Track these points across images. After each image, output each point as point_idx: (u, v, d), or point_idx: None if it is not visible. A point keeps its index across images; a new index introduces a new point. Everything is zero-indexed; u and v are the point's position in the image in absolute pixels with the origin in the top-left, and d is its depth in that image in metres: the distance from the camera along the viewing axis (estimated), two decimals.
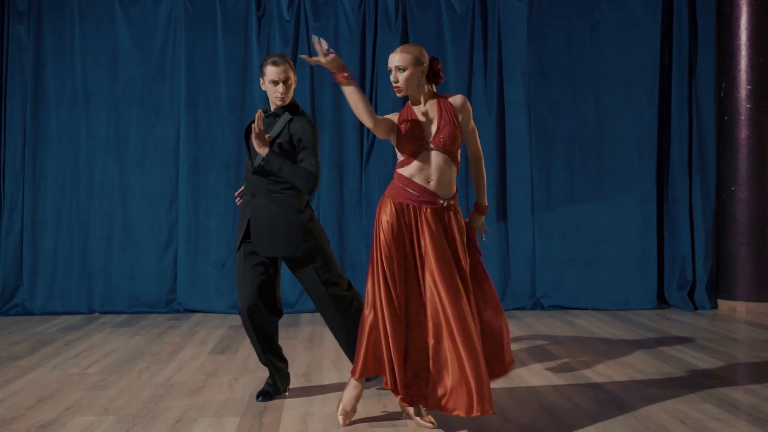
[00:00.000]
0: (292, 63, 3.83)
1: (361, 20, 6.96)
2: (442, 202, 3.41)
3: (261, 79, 3.84)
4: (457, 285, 3.30)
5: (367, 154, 6.93)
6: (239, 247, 3.83)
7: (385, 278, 3.36)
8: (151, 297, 6.82)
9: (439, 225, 3.40)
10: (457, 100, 3.50)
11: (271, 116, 3.87)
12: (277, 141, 3.73)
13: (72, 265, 6.81)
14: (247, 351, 5.16)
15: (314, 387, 4.20)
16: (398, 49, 3.44)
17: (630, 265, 6.95)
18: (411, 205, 3.40)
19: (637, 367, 4.61)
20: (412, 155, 3.40)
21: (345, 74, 3.27)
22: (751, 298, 6.74)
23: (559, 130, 7.00)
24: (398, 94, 3.43)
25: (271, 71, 3.77)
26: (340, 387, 4.18)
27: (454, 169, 3.46)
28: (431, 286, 3.31)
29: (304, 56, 3.40)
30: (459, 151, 3.49)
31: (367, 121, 3.33)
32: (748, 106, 6.75)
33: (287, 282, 6.86)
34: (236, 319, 6.48)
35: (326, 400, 3.92)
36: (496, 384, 4.19)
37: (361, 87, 6.92)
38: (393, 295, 3.34)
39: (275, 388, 3.95)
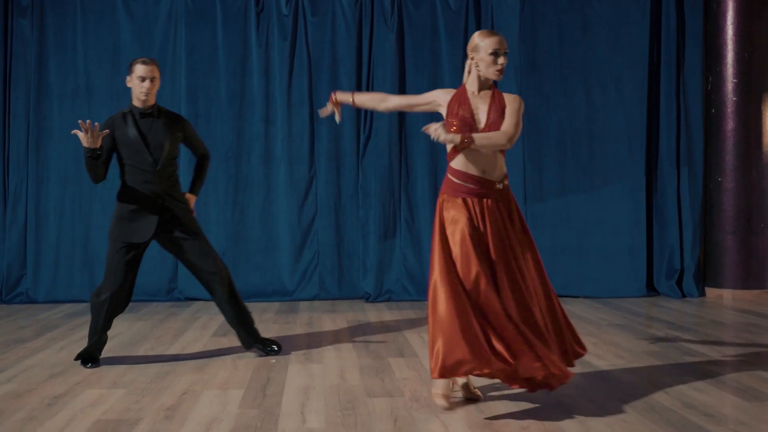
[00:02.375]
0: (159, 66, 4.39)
1: (357, 15, 7.13)
2: (499, 186, 3.45)
3: (128, 76, 4.33)
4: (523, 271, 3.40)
5: (363, 146, 7.10)
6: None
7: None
8: (152, 286, 6.96)
9: (504, 212, 3.44)
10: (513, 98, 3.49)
11: (146, 117, 4.34)
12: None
13: (74, 255, 6.96)
14: None
15: (314, 364, 4.36)
16: (496, 33, 3.43)
17: (620, 255, 7.14)
18: (472, 199, 3.40)
19: (625, 346, 4.79)
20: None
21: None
22: (737, 286, 6.93)
23: (551, 124, 7.18)
24: (499, 78, 3.45)
25: (140, 69, 4.29)
26: (340, 364, 4.36)
27: (501, 155, 3.48)
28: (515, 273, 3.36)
29: None
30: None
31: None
32: (734, 99, 6.94)
33: (286, 270, 7.03)
34: None
35: (326, 375, 4.08)
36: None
37: (357, 80, 7.11)
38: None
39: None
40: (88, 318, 5.95)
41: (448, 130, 3.36)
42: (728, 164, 6.96)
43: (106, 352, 4.63)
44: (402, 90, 7.15)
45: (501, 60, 3.40)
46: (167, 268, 7.02)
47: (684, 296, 7.07)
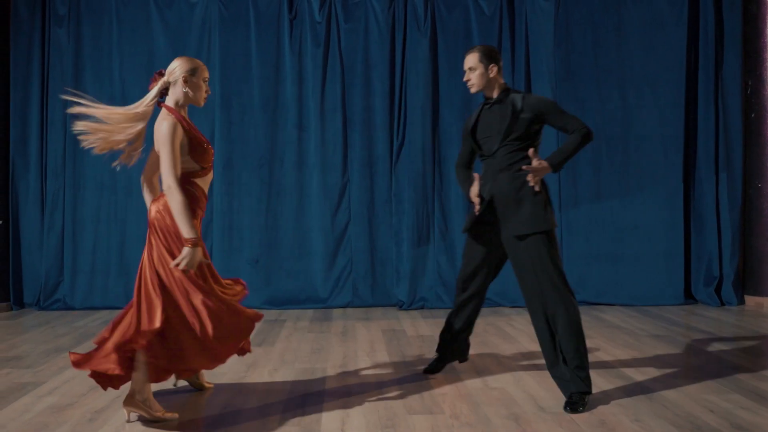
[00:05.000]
0: (479, 53, 3.98)
1: (390, 21, 7.11)
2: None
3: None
4: None
5: (396, 152, 7.08)
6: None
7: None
8: None
9: None
10: None
11: (494, 104, 4.00)
12: (521, 116, 3.88)
13: (110, 261, 7.02)
14: (283, 344, 5.33)
15: (351, 377, 4.35)
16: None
17: (656, 262, 7.04)
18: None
19: (665, 359, 4.71)
20: (208, 170, 3.65)
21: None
22: None
23: None
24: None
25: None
26: (377, 376, 4.34)
27: None
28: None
29: None
30: None
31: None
32: None
33: (319, 277, 7.02)
34: (271, 314, 6.67)
35: (364, 390, 4.06)
36: (530, 375, 4.33)
37: (390, 86, 7.11)
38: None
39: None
40: None
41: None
42: None
43: None
44: (435, 95, 7.11)
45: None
46: None
47: (723, 304, 6.95)
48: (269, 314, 6.67)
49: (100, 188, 7.03)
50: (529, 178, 3.80)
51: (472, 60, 3.98)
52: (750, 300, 6.96)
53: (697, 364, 4.57)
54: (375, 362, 4.74)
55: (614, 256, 7.08)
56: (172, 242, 3.51)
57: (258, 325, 6.09)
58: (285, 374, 4.43)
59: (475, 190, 4.03)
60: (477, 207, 3.98)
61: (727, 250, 7.02)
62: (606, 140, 7.11)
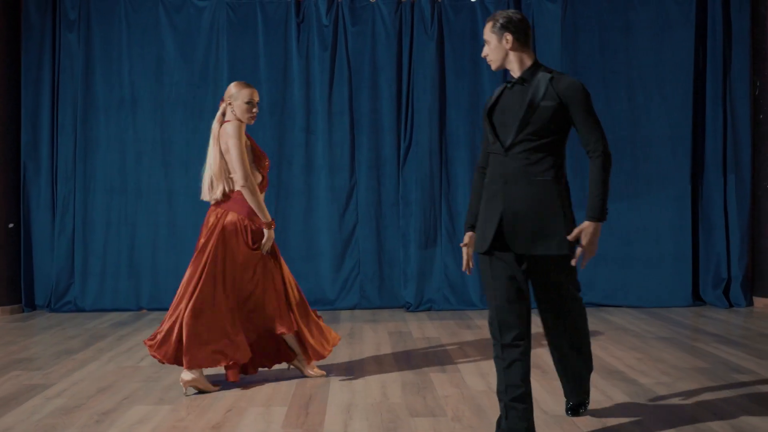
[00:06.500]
0: (491, 22, 3.17)
1: (397, 24, 7.14)
2: None
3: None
4: None
5: (404, 155, 7.10)
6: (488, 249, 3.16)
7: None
8: None
9: None
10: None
11: (516, 84, 3.16)
12: (542, 104, 3.04)
13: (120, 264, 7.08)
14: None
15: (356, 379, 4.37)
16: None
17: (664, 263, 7.03)
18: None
19: (671, 362, 4.71)
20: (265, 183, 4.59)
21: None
22: None
23: None
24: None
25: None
26: (382, 379, 4.37)
27: None
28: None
29: None
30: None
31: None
32: None
33: (327, 278, 7.06)
34: None
35: (368, 392, 4.09)
36: (532, 378, 4.34)
37: (397, 89, 7.13)
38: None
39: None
40: (135, 327, 6.11)
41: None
42: None
43: (150, 366, 4.70)
44: (442, 98, 7.13)
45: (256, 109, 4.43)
46: None
47: (731, 306, 6.93)
48: None
49: (110, 191, 7.09)
50: (574, 263, 3.16)
51: (485, 32, 3.19)
52: (758, 302, 6.94)
53: (702, 367, 4.57)
54: (380, 364, 4.76)
55: (622, 258, 7.07)
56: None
57: None
58: (291, 376, 4.46)
59: (468, 253, 3.36)
60: (464, 265, 3.37)
61: (735, 251, 7.00)
62: (613, 142, 6.96)
